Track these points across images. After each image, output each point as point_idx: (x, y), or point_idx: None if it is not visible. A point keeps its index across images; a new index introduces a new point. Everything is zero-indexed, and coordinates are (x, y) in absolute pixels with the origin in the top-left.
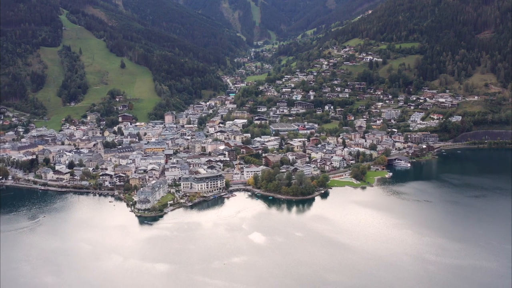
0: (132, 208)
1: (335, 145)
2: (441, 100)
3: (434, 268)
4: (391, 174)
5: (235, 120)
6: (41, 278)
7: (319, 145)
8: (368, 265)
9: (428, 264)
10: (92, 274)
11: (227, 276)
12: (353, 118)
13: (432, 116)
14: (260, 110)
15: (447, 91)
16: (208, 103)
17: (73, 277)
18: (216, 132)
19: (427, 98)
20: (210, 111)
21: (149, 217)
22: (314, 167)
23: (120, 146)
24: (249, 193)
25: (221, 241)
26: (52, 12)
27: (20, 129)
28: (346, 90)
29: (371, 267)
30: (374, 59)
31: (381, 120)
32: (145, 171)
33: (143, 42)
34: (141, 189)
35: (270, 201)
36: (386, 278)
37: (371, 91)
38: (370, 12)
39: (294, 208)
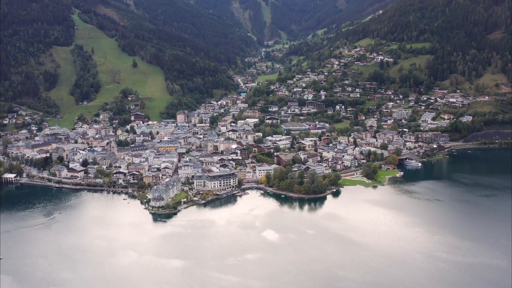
0: (146, 206)
1: (346, 144)
2: (451, 100)
3: (445, 265)
4: (402, 173)
5: (247, 119)
6: (58, 274)
7: (330, 145)
8: (380, 262)
9: (439, 261)
10: (108, 270)
11: (241, 272)
12: (364, 118)
13: (442, 116)
14: (271, 109)
15: (458, 91)
16: (219, 102)
17: (90, 272)
18: (228, 131)
19: (437, 98)
20: (222, 110)
21: (163, 214)
22: (325, 166)
23: (133, 145)
24: (262, 191)
25: (235, 238)
26: (64, 11)
27: (33, 128)
28: (357, 90)
29: (383, 264)
30: (385, 59)
31: (392, 120)
32: (158, 169)
33: (155, 42)
34: (155, 187)
35: (283, 199)
36: (398, 275)
37: (382, 91)
38: (380, 12)
39: (306, 206)
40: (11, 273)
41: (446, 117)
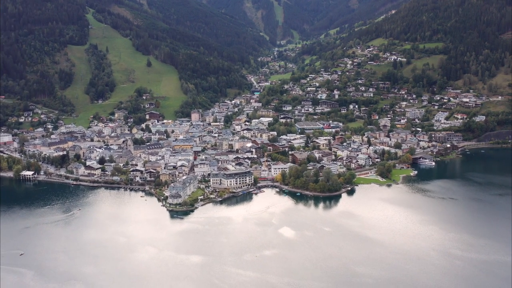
0: (164, 203)
1: (360, 143)
2: (465, 100)
3: (460, 262)
4: (416, 172)
5: (261, 118)
6: (79, 268)
7: (344, 144)
8: (396, 259)
9: (454, 258)
10: (128, 265)
11: (259, 268)
12: (377, 117)
13: (456, 115)
14: (285, 108)
15: (471, 91)
16: (233, 101)
17: (110, 267)
18: (243, 130)
19: (451, 98)
20: (236, 109)
21: (180, 211)
22: (340, 165)
23: (149, 143)
24: (277, 189)
25: (252, 235)
26: (79, 11)
27: (49, 126)
28: (371, 89)
29: (399, 260)
30: (398, 59)
31: (405, 120)
32: (174, 167)
33: (169, 41)
34: (172, 184)
35: (298, 197)
36: (414, 271)
37: (395, 91)
38: (393, 12)
39: (321, 204)
40: (32, 267)
41: (459, 116)
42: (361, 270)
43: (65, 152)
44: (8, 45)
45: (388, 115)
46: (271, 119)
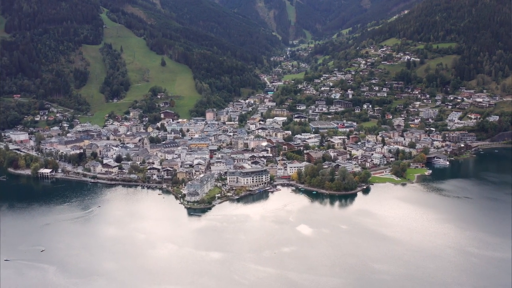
0: (182, 201)
1: (374, 143)
2: (478, 100)
3: (476, 260)
4: (430, 171)
5: (275, 117)
6: (100, 264)
7: (358, 143)
8: (413, 256)
9: (470, 256)
10: (149, 261)
11: (279, 265)
12: (391, 117)
13: (469, 115)
14: (299, 108)
15: (484, 91)
16: (247, 101)
17: (131, 263)
18: (257, 129)
19: (464, 98)
20: (250, 108)
21: (198, 209)
22: (355, 164)
23: (165, 142)
24: (293, 188)
25: (270, 232)
26: (93, 10)
27: (65, 124)
28: (384, 89)
29: (416, 258)
30: (412, 58)
31: (419, 119)
32: (191, 165)
33: (182, 41)
34: (190, 182)
35: (314, 196)
36: (431, 268)
37: (409, 91)
38: (406, 12)
39: (337, 203)
40: (54, 263)
41: (473, 116)
42: (379, 267)
43: (82, 150)
44: (24, 44)
45: (402, 115)
46: (285, 118)
